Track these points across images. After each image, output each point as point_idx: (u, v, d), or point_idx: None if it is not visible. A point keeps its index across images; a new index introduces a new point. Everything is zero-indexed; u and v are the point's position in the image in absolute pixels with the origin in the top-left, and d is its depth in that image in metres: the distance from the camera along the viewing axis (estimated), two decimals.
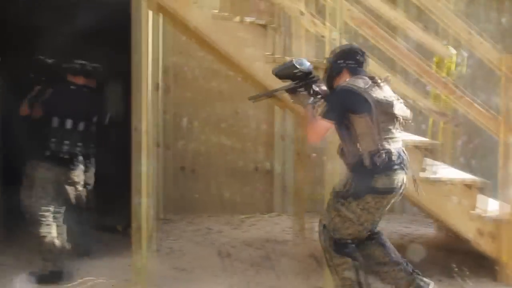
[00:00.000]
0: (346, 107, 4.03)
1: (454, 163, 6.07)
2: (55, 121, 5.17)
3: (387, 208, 4.18)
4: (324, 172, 4.94)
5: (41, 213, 5.10)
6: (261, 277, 5.16)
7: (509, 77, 5.02)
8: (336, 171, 4.71)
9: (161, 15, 5.41)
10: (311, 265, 5.46)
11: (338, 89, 4.12)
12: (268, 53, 4.96)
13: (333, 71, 4.22)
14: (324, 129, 4.06)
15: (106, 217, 6.69)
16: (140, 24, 4.64)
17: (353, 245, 4.15)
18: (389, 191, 4.05)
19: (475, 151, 7.68)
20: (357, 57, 4.21)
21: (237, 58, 4.90)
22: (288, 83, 4.22)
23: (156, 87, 6.89)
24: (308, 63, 4.21)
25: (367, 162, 4.00)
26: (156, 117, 6.12)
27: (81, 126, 5.24)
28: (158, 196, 7.09)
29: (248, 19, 4.92)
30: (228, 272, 5.29)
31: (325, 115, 4.03)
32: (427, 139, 5.66)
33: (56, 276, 5.08)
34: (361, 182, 4.02)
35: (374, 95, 4.04)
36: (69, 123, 5.20)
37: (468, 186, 5.10)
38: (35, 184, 5.11)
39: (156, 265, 5.21)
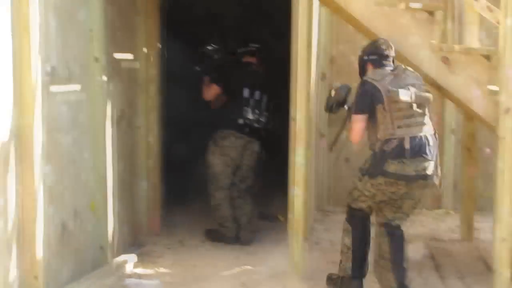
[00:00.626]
0: (365, 99, 4.33)
1: None
2: (246, 92, 5.83)
3: (414, 198, 4.41)
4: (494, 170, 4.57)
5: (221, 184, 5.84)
6: (423, 278, 4.90)
7: None
8: (508, 169, 4.38)
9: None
10: (479, 268, 5.12)
11: (359, 84, 4.44)
12: (434, 41, 4.66)
13: (360, 67, 4.57)
14: (357, 124, 4.36)
15: (268, 206, 6.76)
16: (299, 12, 4.54)
17: (362, 218, 4.52)
18: (401, 177, 4.27)
19: None
20: (380, 51, 4.46)
21: (400, 47, 4.66)
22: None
23: (321, 77, 6.81)
24: (338, 84, 4.72)
25: (379, 148, 4.28)
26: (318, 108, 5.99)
27: (264, 98, 5.90)
28: (321, 187, 7.01)
29: (414, 5, 4.65)
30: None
31: (353, 111, 4.40)
32: None
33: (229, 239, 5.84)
34: (377, 164, 4.32)
35: (387, 84, 4.28)
36: (257, 95, 5.87)
37: None
38: (221, 152, 5.83)
39: (313, 258, 5.14)
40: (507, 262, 4.45)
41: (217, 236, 5.94)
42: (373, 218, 4.59)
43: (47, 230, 4.10)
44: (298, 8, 4.55)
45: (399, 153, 4.24)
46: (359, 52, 4.62)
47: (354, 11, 4.66)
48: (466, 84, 4.68)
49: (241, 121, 5.82)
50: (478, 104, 4.69)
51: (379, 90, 4.27)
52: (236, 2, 8.31)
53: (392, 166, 4.25)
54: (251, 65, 6.02)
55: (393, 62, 4.49)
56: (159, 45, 6.06)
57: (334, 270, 4.69)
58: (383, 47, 4.46)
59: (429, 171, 4.33)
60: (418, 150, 4.25)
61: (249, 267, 5.23)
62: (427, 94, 4.38)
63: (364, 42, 6.51)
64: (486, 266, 5.06)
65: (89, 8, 4.71)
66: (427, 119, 4.39)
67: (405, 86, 4.28)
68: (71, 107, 4.53)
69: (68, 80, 4.48)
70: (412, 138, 4.26)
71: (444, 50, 4.65)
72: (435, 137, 4.45)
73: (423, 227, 6.41)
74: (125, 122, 5.59)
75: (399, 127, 4.26)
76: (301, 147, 4.63)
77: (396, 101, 4.25)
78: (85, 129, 4.74)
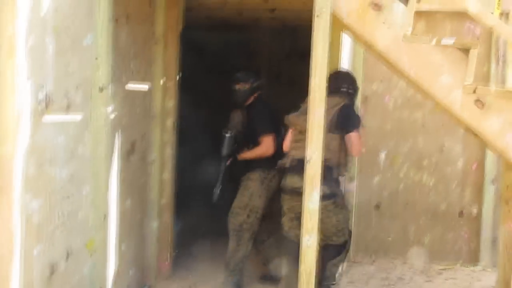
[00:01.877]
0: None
1: None
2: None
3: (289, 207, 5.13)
4: None
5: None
6: None
7: None
8: None
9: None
10: None
11: None
12: (468, 83, 4.21)
13: None
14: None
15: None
16: (317, 46, 4.16)
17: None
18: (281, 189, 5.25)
19: None
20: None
21: (429, 87, 4.23)
22: None
23: None
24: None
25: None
26: None
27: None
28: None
29: (446, 41, 4.21)
30: None
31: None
32: None
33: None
34: None
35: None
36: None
37: None
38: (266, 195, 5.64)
39: None
40: None
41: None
42: None
43: (30, 271, 3.76)
44: (318, 41, 4.17)
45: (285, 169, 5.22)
46: None
47: (379, 45, 4.25)
48: (502, 131, 4.21)
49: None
50: None
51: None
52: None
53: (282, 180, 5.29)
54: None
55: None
56: (178, 76, 5.76)
57: None
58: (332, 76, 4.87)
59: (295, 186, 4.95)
60: (293, 168, 5.08)
61: None
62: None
63: (401, 81, 6.18)
64: None
65: (96, 33, 4.42)
66: None
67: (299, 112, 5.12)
68: (69, 138, 4.21)
69: (67, 110, 4.16)
70: (296, 157, 5.07)
71: (478, 93, 4.19)
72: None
73: (455, 285, 5.87)
74: (136, 157, 5.27)
75: (293, 147, 5.21)
76: (315, 192, 4.21)
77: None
78: (85, 163, 4.41)
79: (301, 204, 4.34)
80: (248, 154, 5.58)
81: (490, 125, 4.23)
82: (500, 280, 5.39)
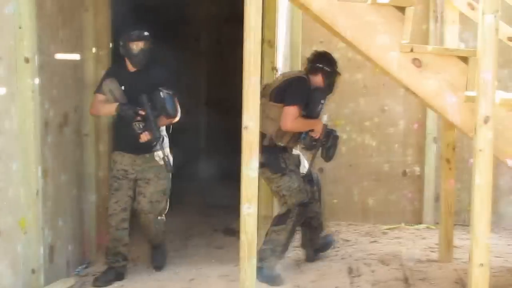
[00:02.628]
0: None
1: None
2: None
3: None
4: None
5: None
6: None
7: None
8: (487, 186, 3.89)
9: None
10: None
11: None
12: (405, 41, 4.14)
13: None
14: None
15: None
16: (252, 8, 4.01)
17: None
18: None
19: None
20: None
21: (366, 48, 4.15)
22: None
23: None
24: None
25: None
26: None
27: None
28: None
29: (381, 0, 4.12)
30: None
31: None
32: None
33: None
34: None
35: None
36: None
37: None
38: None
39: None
40: None
41: None
42: None
43: None
44: (251, 4, 4.01)
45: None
46: None
47: (314, 6, 4.13)
48: (440, 90, 4.16)
49: None
50: (454, 112, 4.17)
51: None
52: None
53: None
54: None
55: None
56: (110, 45, 5.55)
57: None
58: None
59: None
60: None
61: None
62: None
63: (339, 42, 6.09)
64: None
65: (18, 1, 4.19)
66: None
67: None
68: None
69: None
70: None
71: (415, 51, 4.12)
72: None
73: (400, 245, 5.88)
74: (69, 129, 5.08)
75: None
76: (254, 159, 4.11)
77: None
78: (13, 138, 4.22)
79: None
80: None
81: (428, 84, 4.18)
82: (442, 236, 5.44)
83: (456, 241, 5.49)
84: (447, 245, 5.37)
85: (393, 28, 4.15)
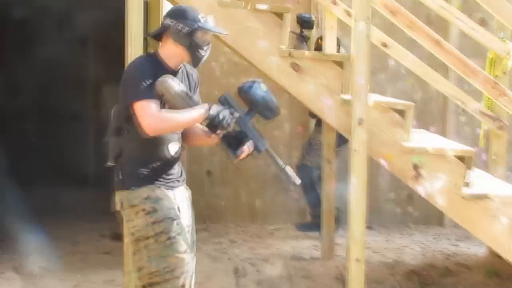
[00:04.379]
0: None
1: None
2: None
3: None
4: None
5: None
6: None
7: None
8: (362, 184, 4.11)
9: None
10: None
11: None
12: (283, 46, 4.29)
13: None
14: None
15: None
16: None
17: None
18: None
19: None
20: None
21: (247, 53, 4.27)
22: None
23: None
24: None
25: None
26: None
27: None
28: None
29: (261, 7, 4.26)
30: None
31: None
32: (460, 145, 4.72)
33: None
34: None
35: None
36: None
37: None
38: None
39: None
40: (361, 284, 4.15)
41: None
42: None
43: None
44: (133, 8, 4.05)
45: None
46: None
47: None
48: (318, 93, 4.34)
49: None
50: (331, 114, 4.36)
51: None
52: None
53: None
54: None
55: None
56: None
57: None
58: None
59: None
60: None
61: None
62: None
63: (224, 47, 6.19)
64: (343, 287, 4.74)
65: None
66: None
67: None
68: None
69: None
70: None
71: (294, 56, 4.28)
72: None
73: (285, 244, 6.06)
74: None
75: None
76: None
77: None
78: None
79: None
80: None
81: (307, 87, 4.35)
82: (324, 234, 5.65)
83: (338, 239, 5.71)
84: (329, 243, 5.58)
85: (272, 33, 4.30)
